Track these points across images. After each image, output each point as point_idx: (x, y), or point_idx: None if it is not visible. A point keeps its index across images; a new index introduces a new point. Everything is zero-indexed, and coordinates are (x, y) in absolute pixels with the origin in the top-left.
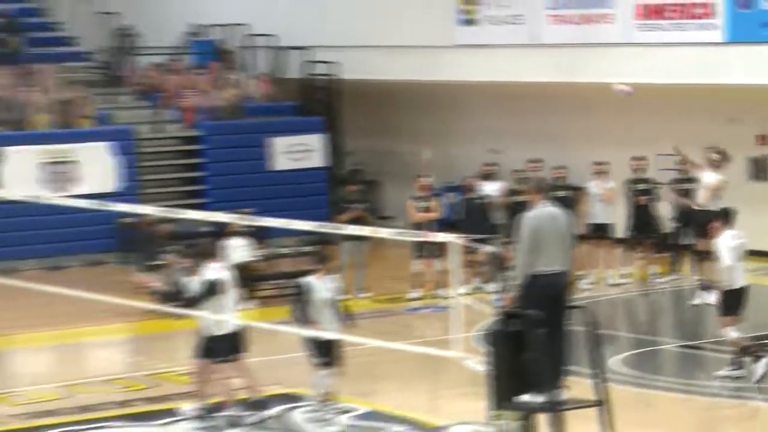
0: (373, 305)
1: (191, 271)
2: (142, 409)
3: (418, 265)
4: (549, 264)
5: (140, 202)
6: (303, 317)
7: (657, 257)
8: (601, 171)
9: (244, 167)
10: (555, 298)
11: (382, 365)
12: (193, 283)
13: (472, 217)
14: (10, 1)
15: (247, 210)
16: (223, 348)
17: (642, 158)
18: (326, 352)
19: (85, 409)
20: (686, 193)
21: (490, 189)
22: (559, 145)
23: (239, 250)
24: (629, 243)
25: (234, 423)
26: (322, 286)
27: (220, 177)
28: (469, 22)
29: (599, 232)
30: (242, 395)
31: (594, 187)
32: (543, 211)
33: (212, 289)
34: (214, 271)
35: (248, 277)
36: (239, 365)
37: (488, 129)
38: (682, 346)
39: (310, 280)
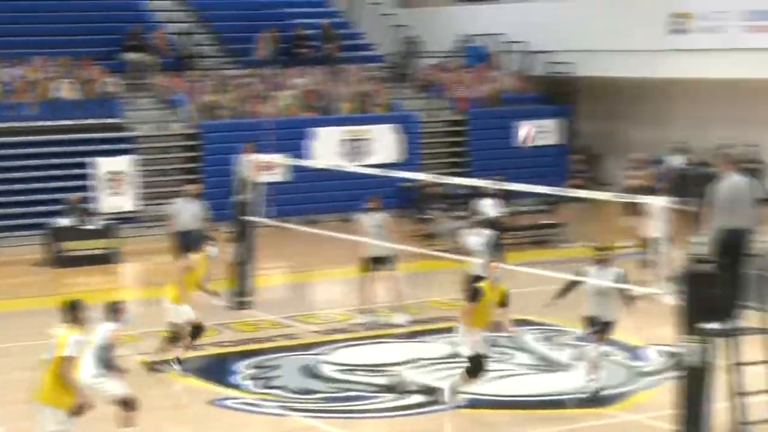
0: (588, 253)
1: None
2: (411, 329)
3: (628, 221)
4: (737, 221)
5: (419, 170)
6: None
7: None
8: None
9: (499, 144)
10: (740, 248)
11: None
12: (468, 239)
13: (677, 184)
14: (325, 16)
15: (499, 177)
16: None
17: None
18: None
19: (370, 327)
20: None
21: (678, 162)
22: (748, 127)
23: (490, 207)
24: None
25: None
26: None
27: (481, 151)
28: (680, 31)
29: None
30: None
31: None
32: (733, 179)
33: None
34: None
35: (496, 229)
36: None
37: (690, 115)
38: None
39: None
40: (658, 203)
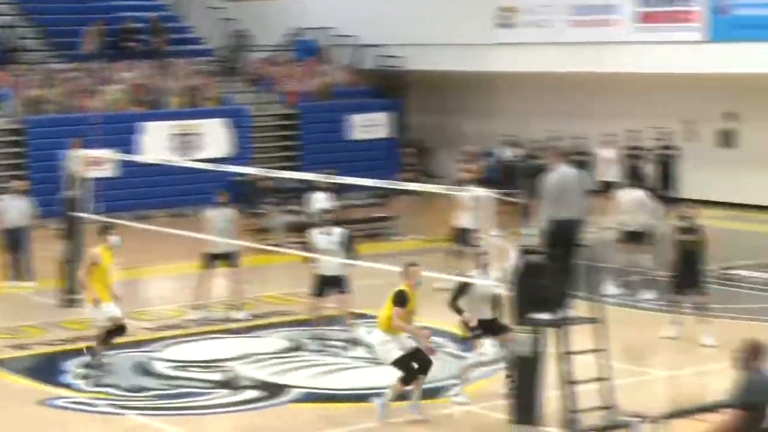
0: (423, 245)
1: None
2: (243, 325)
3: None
4: (566, 213)
5: (250, 164)
6: None
7: None
8: (609, 140)
9: (331, 137)
10: (570, 239)
11: (425, 291)
12: (318, 238)
13: (506, 176)
14: (153, 9)
15: (331, 170)
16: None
17: (637, 130)
18: None
19: (201, 323)
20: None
21: (508, 155)
22: (574, 120)
23: (322, 201)
24: None
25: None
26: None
27: (312, 145)
28: (507, 25)
29: (608, 188)
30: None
31: (604, 152)
32: (562, 171)
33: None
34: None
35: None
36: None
37: (518, 107)
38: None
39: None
40: (485, 195)
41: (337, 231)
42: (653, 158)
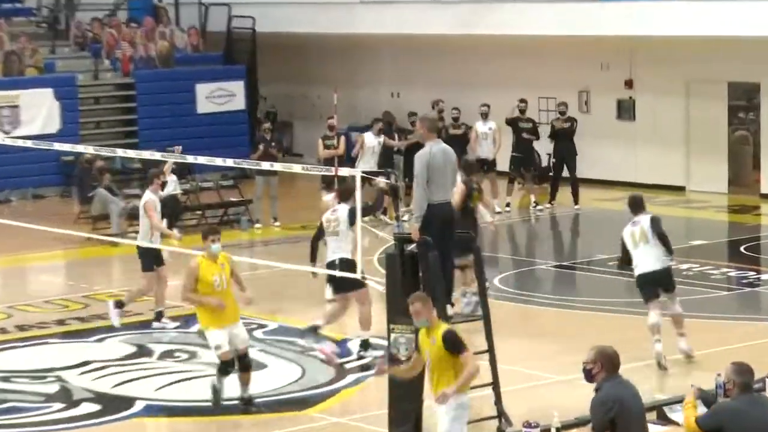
0: (284, 233)
1: None
2: (78, 327)
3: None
4: (441, 195)
5: (80, 142)
6: None
7: (536, 188)
8: (485, 112)
9: (173, 110)
10: (446, 225)
11: (292, 286)
12: None
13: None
14: None
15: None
16: None
17: (525, 101)
18: None
19: (27, 327)
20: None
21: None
22: (454, 88)
23: (171, 184)
24: (511, 175)
25: None
26: None
27: (152, 119)
28: None
29: (485, 166)
30: None
31: (481, 126)
32: (437, 148)
33: None
34: None
35: (175, 208)
36: None
37: (391, 76)
38: (555, 266)
39: None
40: (354, 174)
41: None
42: (545, 133)
